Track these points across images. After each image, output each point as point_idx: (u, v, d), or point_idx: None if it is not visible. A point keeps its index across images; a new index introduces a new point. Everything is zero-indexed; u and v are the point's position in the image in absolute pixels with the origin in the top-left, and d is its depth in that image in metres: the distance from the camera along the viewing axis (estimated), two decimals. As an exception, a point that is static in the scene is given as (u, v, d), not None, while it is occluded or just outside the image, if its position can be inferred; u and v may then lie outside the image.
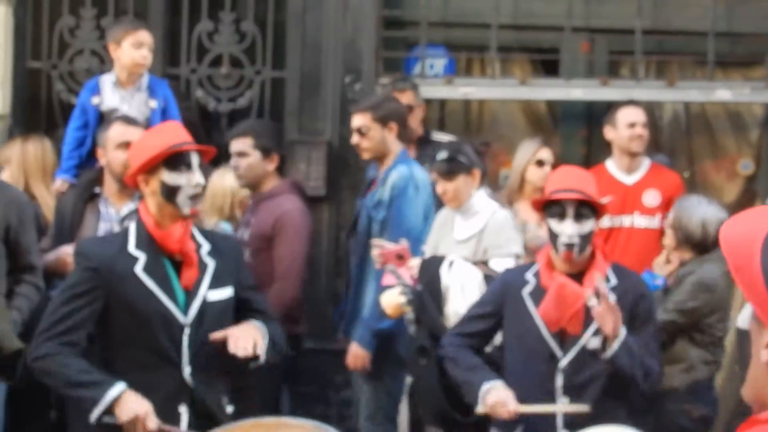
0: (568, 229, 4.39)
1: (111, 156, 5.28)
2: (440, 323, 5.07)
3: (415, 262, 5.20)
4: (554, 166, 5.83)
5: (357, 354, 5.59)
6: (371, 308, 5.51)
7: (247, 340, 3.95)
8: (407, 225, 5.52)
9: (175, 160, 4.02)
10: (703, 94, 7.19)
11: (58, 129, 6.60)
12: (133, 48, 5.64)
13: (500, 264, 5.17)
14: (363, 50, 7.06)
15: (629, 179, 6.37)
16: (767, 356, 1.49)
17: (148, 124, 5.59)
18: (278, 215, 5.67)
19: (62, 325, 3.93)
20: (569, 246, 4.38)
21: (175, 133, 4.14)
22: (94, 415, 3.83)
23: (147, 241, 4.02)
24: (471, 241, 5.32)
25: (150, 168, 4.02)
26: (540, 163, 6.08)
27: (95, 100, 5.73)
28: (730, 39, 7.32)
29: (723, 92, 7.15)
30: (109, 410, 3.83)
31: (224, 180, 6.04)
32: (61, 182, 5.62)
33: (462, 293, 5.03)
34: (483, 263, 5.23)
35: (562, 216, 4.42)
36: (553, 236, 4.44)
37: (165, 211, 4.03)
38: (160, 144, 4.04)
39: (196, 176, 4.04)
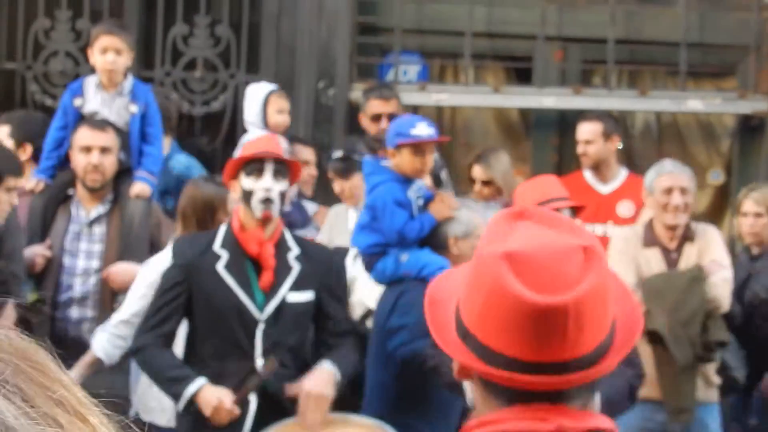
0: None
1: (74, 159, 5.28)
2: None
3: None
4: (525, 173, 5.85)
5: None
6: None
7: (317, 404, 4.27)
8: None
9: (250, 166, 4.39)
10: (674, 104, 7.24)
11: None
12: (99, 53, 5.61)
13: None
14: (337, 55, 7.09)
15: (605, 188, 6.38)
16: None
17: (127, 129, 5.58)
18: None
19: (156, 317, 4.39)
20: None
21: (259, 143, 4.54)
22: (179, 407, 4.28)
23: (232, 241, 4.41)
24: None
25: (233, 174, 4.43)
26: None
27: (77, 102, 5.68)
28: (702, 49, 7.38)
29: (694, 102, 7.20)
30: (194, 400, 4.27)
31: None
32: (36, 182, 5.60)
33: (369, 284, 5.07)
34: None
35: None
36: None
37: (247, 214, 4.42)
38: (244, 153, 4.47)
39: (267, 181, 4.36)
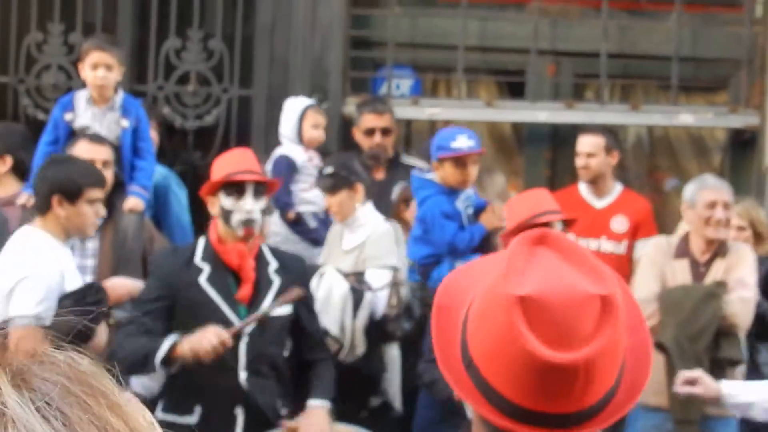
0: None
1: None
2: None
3: None
4: (518, 186, 5.86)
5: None
6: None
7: None
8: None
9: (230, 186, 4.47)
10: (666, 118, 7.27)
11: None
12: (90, 68, 5.59)
13: (375, 275, 5.27)
14: (330, 69, 7.09)
15: (599, 203, 6.38)
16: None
17: (119, 143, 5.56)
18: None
19: (133, 326, 4.42)
20: None
21: (237, 161, 4.57)
22: (157, 359, 4.26)
23: (212, 254, 4.49)
24: (354, 252, 5.44)
25: (212, 192, 4.51)
26: None
27: (68, 117, 5.65)
28: (694, 64, 7.40)
29: (686, 116, 7.22)
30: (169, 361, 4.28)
31: None
32: (27, 197, 5.56)
33: (325, 305, 5.06)
34: (359, 274, 5.31)
35: None
36: None
37: (225, 230, 4.50)
38: (222, 171, 4.49)
39: (248, 203, 4.43)
